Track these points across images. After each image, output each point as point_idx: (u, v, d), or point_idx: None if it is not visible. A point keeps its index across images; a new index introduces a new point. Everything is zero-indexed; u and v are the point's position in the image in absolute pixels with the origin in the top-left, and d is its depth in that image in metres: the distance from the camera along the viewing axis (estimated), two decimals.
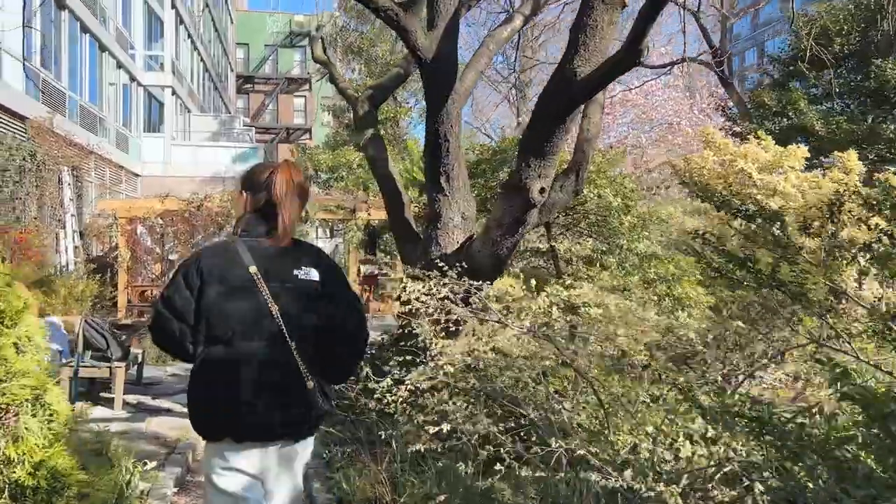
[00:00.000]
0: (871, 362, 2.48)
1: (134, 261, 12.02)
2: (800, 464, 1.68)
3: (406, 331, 4.22)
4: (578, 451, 2.68)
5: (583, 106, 4.70)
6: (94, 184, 15.75)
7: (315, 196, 15.30)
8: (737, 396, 1.92)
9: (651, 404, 3.07)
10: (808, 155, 8.51)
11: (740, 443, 2.15)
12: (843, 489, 1.78)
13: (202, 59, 27.88)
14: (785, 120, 14.28)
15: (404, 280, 3.73)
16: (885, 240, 2.44)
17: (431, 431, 2.95)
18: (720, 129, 11.84)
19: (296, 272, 2.13)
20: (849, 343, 2.34)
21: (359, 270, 14.56)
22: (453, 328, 3.63)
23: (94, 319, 6.65)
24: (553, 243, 6.30)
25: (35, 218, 11.42)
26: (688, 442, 2.31)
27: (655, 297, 5.48)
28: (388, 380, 3.56)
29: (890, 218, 2.48)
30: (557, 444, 2.59)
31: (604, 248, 6.33)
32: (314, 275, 2.15)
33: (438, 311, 3.49)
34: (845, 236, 5.71)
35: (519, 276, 3.90)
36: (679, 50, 17.92)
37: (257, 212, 2.17)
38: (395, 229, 5.89)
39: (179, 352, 2.14)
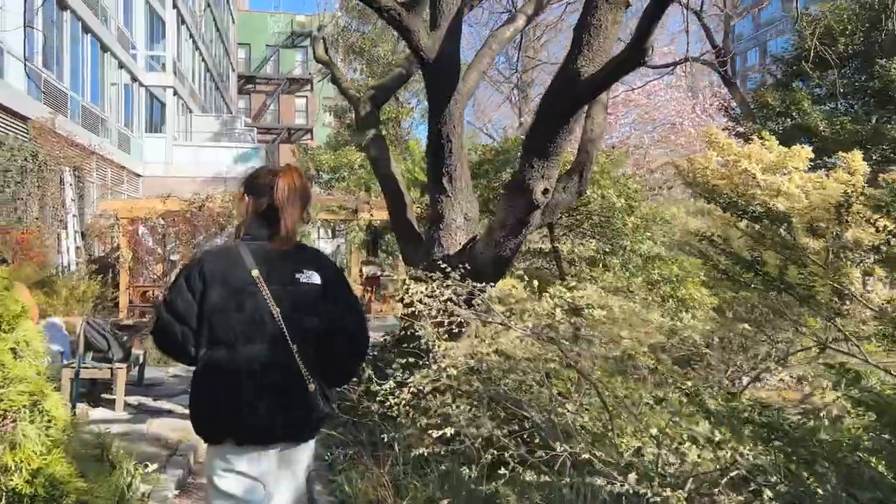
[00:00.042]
0: (881, 366, 2.45)
1: (135, 261, 12.00)
2: (810, 470, 1.65)
3: (408, 332, 4.20)
4: (583, 455, 2.65)
5: (586, 106, 4.68)
6: (96, 184, 15.75)
7: (317, 196, 15.29)
8: (745, 401, 1.88)
9: (655, 406, 3.04)
10: (812, 155, 8.47)
11: (747, 447, 2.12)
12: (850, 493, 1.76)
13: (204, 60, 27.88)
14: (788, 120, 14.24)
15: (407, 282, 3.70)
16: (894, 241, 2.41)
17: (435, 435, 2.92)
18: (723, 130, 11.81)
19: (298, 275, 2.14)
20: (857, 346, 2.31)
21: (361, 271, 14.54)
22: (456, 330, 3.61)
23: (95, 320, 6.63)
24: (556, 244, 6.28)
25: (37, 218, 11.41)
26: (694, 446, 2.28)
27: (659, 299, 5.44)
28: (391, 382, 3.54)
29: None
30: (562, 448, 2.56)
31: (607, 249, 6.30)
32: (316, 278, 2.15)
33: (441, 312, 3.46)
34: (850, 237, 5.68)
35: (523, 277, 3.86)
36: (681, 50, 17.90)
37: (259, 215, 2.17)
38: (398, 230, 5.86)
39: (181, 355, 2.14)
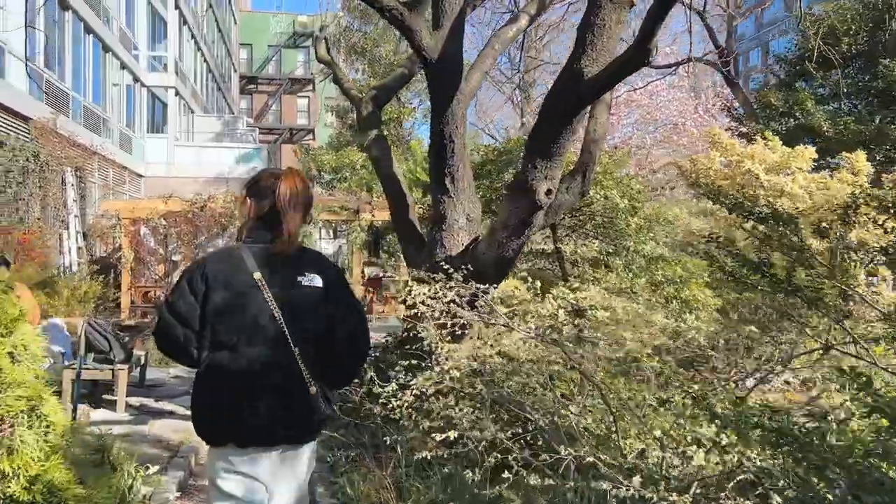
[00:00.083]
0: (890, 369, 2.42)
1: (137, 262, 11.99)
2: (821, 475, 1.62)
3: (411, 334, 4.18)
4: (587, 459, 2.63)
5: (589, 106, 4.65)
6: (98, 184, 15.75)
7: (318, 197, 15.27)
8: (754, 405, 1.86)
9: (658, 408, 3.01)
10: (816, 156, 8.42)
11: (755, 451, 2.10)
12: (855, 496, 1.73)
13: (205, 60, 27.89)
14: (792, 120, 14.19)
15: (410, 283, 3.68)
16: None
17: (438, 439, 2.89)
18: (726, 130, 11.76)
19: (300, 279, 2.14)
20: (866, 349, 2.28)
21: (363, 272, 14.52)
22: (459, 332, 3.58)
23: (96, 321, 6.61)
24: (559, 245, 6.25)
25: (38, 219, 11.40)
26: (701, 451, 2.26)
27: (663, 300, 5.41)
28: (394, 384, 3.51)
29: None
30: (567, 452, 2.53)
31: (610, 250, 6.27)
32: (318, 281, 2.16)
33: (444, 314, 3.44)
34: (854, 238, 5.64)
35: (527, 279, 3.84)
36: (684, 50, 17.85)
37: (261, 218, 2.18)
38: (400, 231, 5.84)
39: (183, 357, 2.15)
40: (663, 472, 2.64)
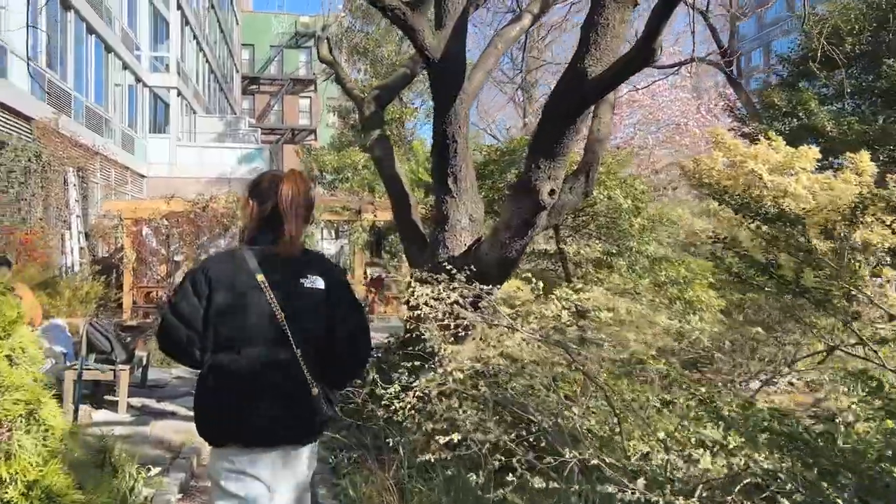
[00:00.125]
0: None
1: (139, 262, 11.98)
2: (832, 480, 1.60)
3: (413, 335, 4.15)
4: (592, 461, 2.61)
5: (593, 106, 4.63)
6: (100, 185, 15.75)
7: (320, 197, 15.25)
8: (763, 408, 1.83)
9: (662, 409, 2.99)
10: (819, 156, 8.38)
11: (762, 455, 2.07)
12: (863, 500, 1.71)
13: (207, 60, 27.90)
14: (795, 120, 14.14)
15: (412, 284, 3.66)
16: None
17: (442, 441, 2.87)
18: (729, 130, 11.72)
19: (302, 280, 2.15)
20: (875, 351, 2.25)
21: (365, 273, 14.50)
22: (462, 333, 3.56)
23: (98, 322, 6.60)
24: (561, 246, 6.22)
25: (40, 219, 11.40)
26: (708, 454, 2.23)
27: (666, 301, 5.39)
28: (396, 386, 3.49)
29: None
30: (571, 455, 2.51)
31: (613, 251, 6.23)
32: (320, 283, 2.17)
33: (447, 315, 3.41)
34: (858, 238, 5.61)
35: (531, 279, 3.82)
36: (686, 50, 17.81)
37: (263, 220, 2.19)
38: (402, 231, 5.82)
39: (186, 358, 2.16)
40: (667, 474, 2.62)
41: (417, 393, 3.31)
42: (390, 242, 15.04)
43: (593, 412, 3.38)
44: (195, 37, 25.24)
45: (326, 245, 17.26)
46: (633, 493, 2.34)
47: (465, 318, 3.45)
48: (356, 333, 2.21)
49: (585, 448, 2.78)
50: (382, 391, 3.65)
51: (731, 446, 2.17)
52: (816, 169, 8.35)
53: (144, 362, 7.16)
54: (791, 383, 3.65)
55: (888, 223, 2.52)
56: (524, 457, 2.74)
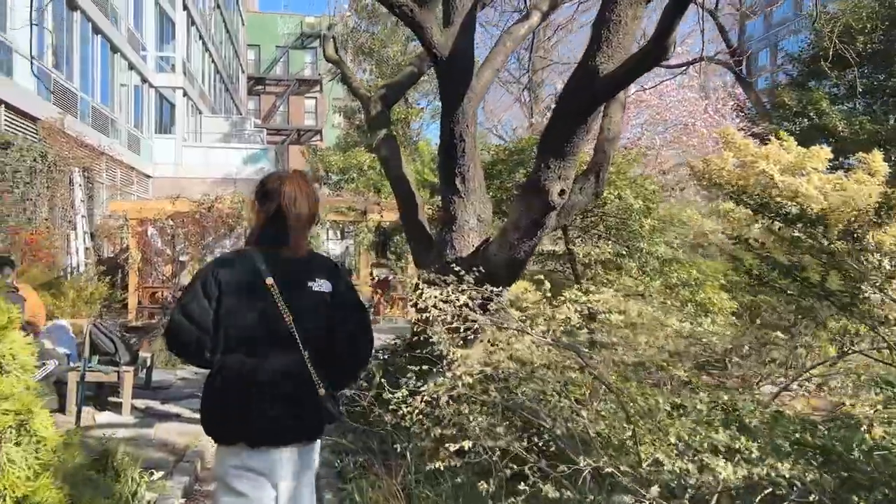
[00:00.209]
0: None
1: (144, 262, 11.96)
2: (867, 495, 1.52)
3: (421, 338, 4.08)
4: (606, 469, 2.53)
5: (603, 105, 4.55)
6: (106, 185, 15.75)
7: (326, 198, 15.22)
8: (792, 417, 1.75)
9: (673, 413, 2.91)
10: (831, 156, 8.27)
11: (786, 465, 1.99)
12: None
13: (213, 61, 27.92)
14: (806, 120, 14.02)
15: (420, 285, 3.58)
16: None
17: (452, 449, 2.80)
18: (738, 130, 11.60)
19: (310, 283, 2.18)
20: None
21: (371, 274, 14.46)
22: (471, 336, 3.48)
23: (102, 323, 6.56)
24: (570, 246, 6.13)
25: (46, 219, 11.39)
26: (730, 465, 2.15)
27: (678, 303, 5.29)
28: (404, 390, 3.41)
29: None
30: (585, 463, 2.43)
31: (623, 252, 6.14)
32: (327, 286, 2.19)
33: (456, 318, 3.34)
34: (871, 240, 5.51)
35: (542, 281, 3.74)
36: (694, 49, 17.68)
37: (269, 221, 2.21)
38: (409, 232, 5.75)
39: (194, 358, 2.19)
40: (681, 481, 2.54)
41: (426, 398, 3.23)
42: (396, 243, 14.98)
43: (604, 416, 3.30)
44: (201, 37, 25.26)
45: (332, 246, 17.23)
46: (648, 503, 2.27)
47: (474, 321, 3.38)
48: (356, 333, 2.23)
49: (598, 454, 2.70)
50: (389, 395, 3.58)
51: (753, 455, 2.09)
52: (828, 169, 8.24)
53: (149, 363, 7.11)
54: (807, 390, 3.56)
55: None
56: (536, 464, 2.66)
